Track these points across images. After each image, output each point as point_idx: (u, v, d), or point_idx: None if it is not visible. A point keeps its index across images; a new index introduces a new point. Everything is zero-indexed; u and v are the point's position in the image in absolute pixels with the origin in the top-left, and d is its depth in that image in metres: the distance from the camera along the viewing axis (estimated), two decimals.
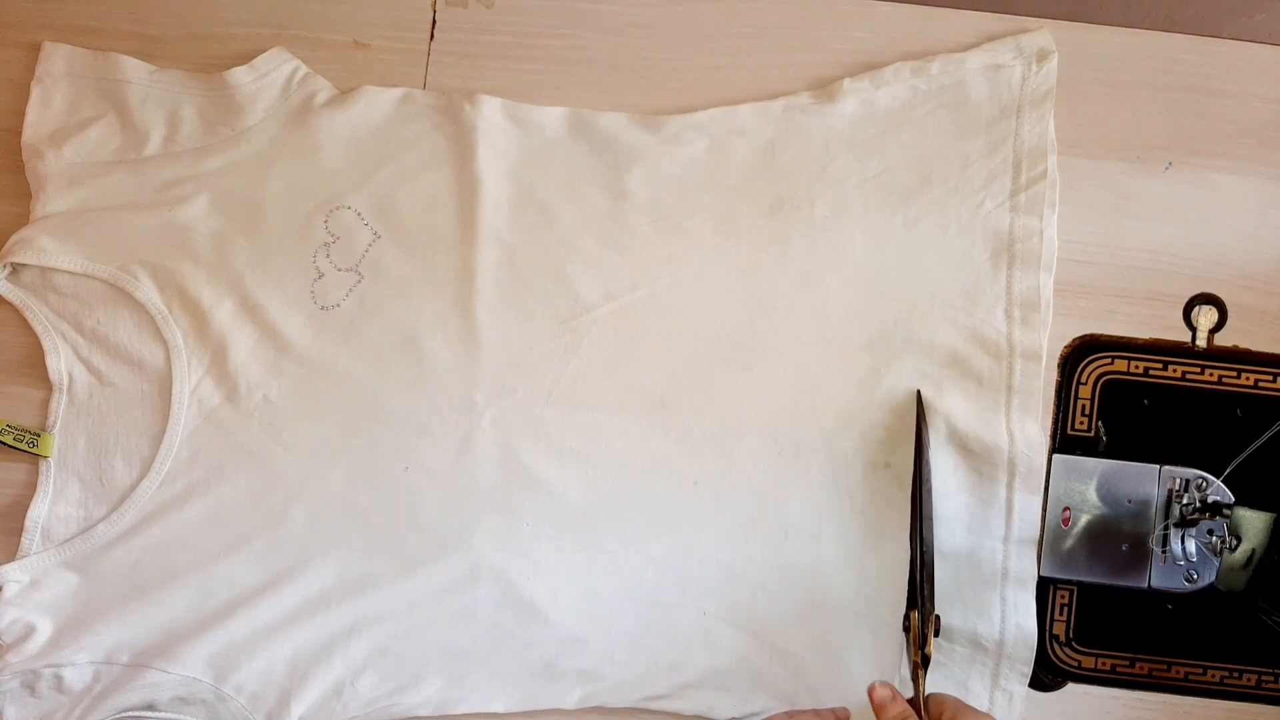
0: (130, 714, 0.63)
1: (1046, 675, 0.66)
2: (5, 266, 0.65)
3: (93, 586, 0.64)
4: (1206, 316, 0.67)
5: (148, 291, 0.65)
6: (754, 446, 0.65)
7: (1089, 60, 0.68)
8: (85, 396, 0.65)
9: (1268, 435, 0.66)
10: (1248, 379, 0.67)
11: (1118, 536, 0.66)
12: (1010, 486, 0.64)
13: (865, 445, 0.65)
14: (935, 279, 0.65)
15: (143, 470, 0.65)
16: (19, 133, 0.67)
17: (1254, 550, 0.66)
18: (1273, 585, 0.66)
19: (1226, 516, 0.65)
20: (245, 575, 0.64)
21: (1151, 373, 0.67)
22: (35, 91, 0.67)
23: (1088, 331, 0.67)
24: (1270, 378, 0.67)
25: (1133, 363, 0.67)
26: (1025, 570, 0.64)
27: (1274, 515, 0.66)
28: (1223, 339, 0.67)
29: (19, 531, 0.65)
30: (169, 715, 0.63)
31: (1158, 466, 0.66)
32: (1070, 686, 0.66)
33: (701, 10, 0.69)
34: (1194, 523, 0.65)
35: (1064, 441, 0.67)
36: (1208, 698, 0.66)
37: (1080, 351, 0.67)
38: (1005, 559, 0.64)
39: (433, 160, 0.67)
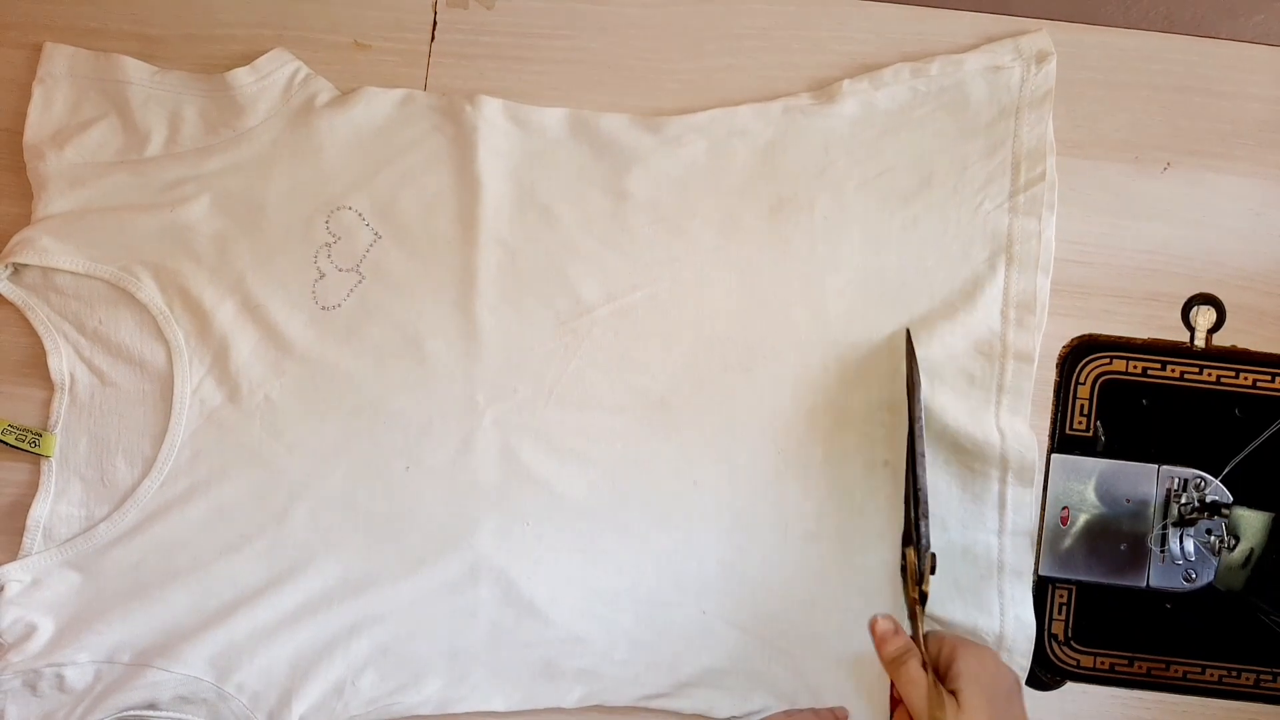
0: (132, 713, 0.63)
1: (1045, 674, 0.66)
2: (7, 267, 0.65)
3: (94, 586, 0.64)
4: (1205, 316, 0.67)
5: (149, 292, 0.65)
6: (753, 446, 0.65)
7: (1088, 61, 0.68)
8: (87, 396, 0.66)
9: (1266, 435, 0.67)
10: (1246, 379, 0.67)
11: (1116, 536, 0.66)
12: (1003, 481, 0.65)
13: (863, 444, 0.65)
14: (934, 280, 0.65)
15: (144, 470, 0.65)
16: (21, 133, 0.67)
17: (1252, 549, 0.66)
18: (1271, 584, 0.66)
19: (1225, 516, 0.66)
20: (247, 575, 0.64)
21: (1150, 373, 0.67)
22: (37, 92, 0.67)
23: (1086, 331, 0.67)
24: (1268, 378, 0.67)
25: (1131, 363, 0.67)
26: (1021, 563, 0.64)
27: (1272, 515, 0.66)
28: (1221, 339, 0.67)
29: (21, 531, 0.65)
30: (170, 714, 0.63)
31: (1156, 466, 0.67)
32: (1069, 685, 0.66)
33: (701, 11, 0.69)
34: (1192, 522, 0.66)
35: (1062, 441, 0.67)
36: (1206, 697, 0.66)
37: (1079, 351, 0.67)
38: (1001, 552, 0.64)
39: (434, 161, 0.67)
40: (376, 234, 0.66)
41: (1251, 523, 0.66)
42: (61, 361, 0.66)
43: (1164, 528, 0.66)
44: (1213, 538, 0.66)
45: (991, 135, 0.67)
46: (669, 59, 0.69)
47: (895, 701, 0.60)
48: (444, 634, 0.64)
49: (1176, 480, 0.66)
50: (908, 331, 0.65)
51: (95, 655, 0.63)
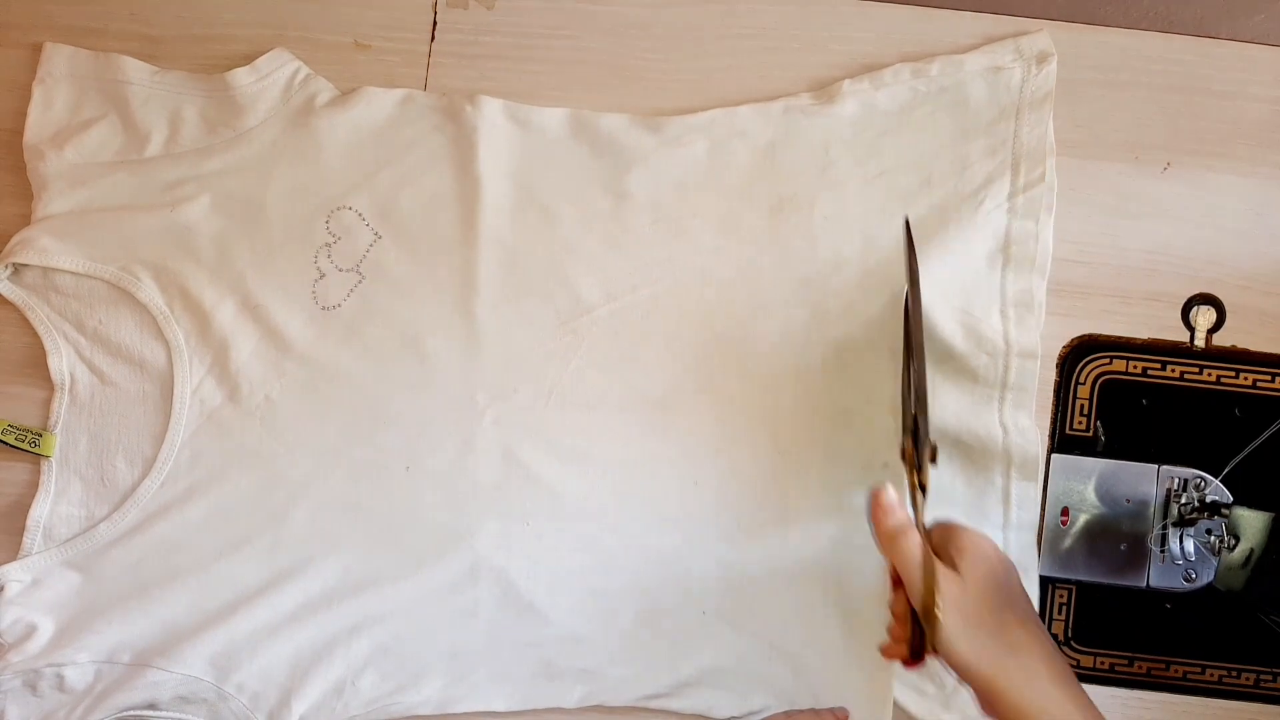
0: (132, 713, 0.63)
1: None
2: (7, 267, 0.65)
3: (94, 586, 0.64)
4: (1205, 316, 0.67)
5: (149, 292, 0.65)
6: (753, 446, 0.65)
7: (1088, 61, 0.68)
8: (87, 396, 0.66)
9: (1266, 435, 0.67)
10: (1246, 379, 0.67)
11: (1116, 536, 0.66)
12: (1006, 475, 0.64)
13: (863, 445, 0.65)
14: (934, 280, 0.65)
15: (144, 470, 0.65)
16: (21, 133, 0.67)
17: (1252, 549, 0.66)
18: (1271, 584, 0.66)
19: (1225, 516, 0.66)
20: (247, 575, 0.64)
21: (1150, 373, 0.67)
22: (37, 92, 0.67)
23: (1086, 331, 0.67)
24: (1268, 377, 0.67)
25: (1131, 363, 0.67)
26: (1026, 558, 0.64)
27: (1272, 514, 0.66)
28: (1221, 339, 0.67)
29: (21, 531, 0.65)
30: (170, 714, 0.63)
31: (1156, 466, 0.67)
32: None
33: (701, 12, 0.69)
34: (1192, 522, 0.66)
35: (1062, 441, 0.67)
36: (1206, 697, 0.66)
37: (1079, 351, 0.67)
38: (1005, 546, 0.64)
39: (434, 161, 0.67)
40: (377, 234, 0.66)
41: (1251, 523, 0.66)
42: (61, 361, 0.66)
43: (1164, 528, 0.66)
44: (1213, 538, 0.66)
45: (992, 136, 0.67)
46: (669, 59, 0.69)
47: (896, 584, 0.58)
48: (444, 634, 0.64)
49: (1176, 480, 0.66)
50: (905, 220, 0.63)
51: (95, 655, 0.63)
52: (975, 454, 0.64)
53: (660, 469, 0.65)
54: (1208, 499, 0.66)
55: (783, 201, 0.67)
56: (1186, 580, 0.66)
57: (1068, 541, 0.66)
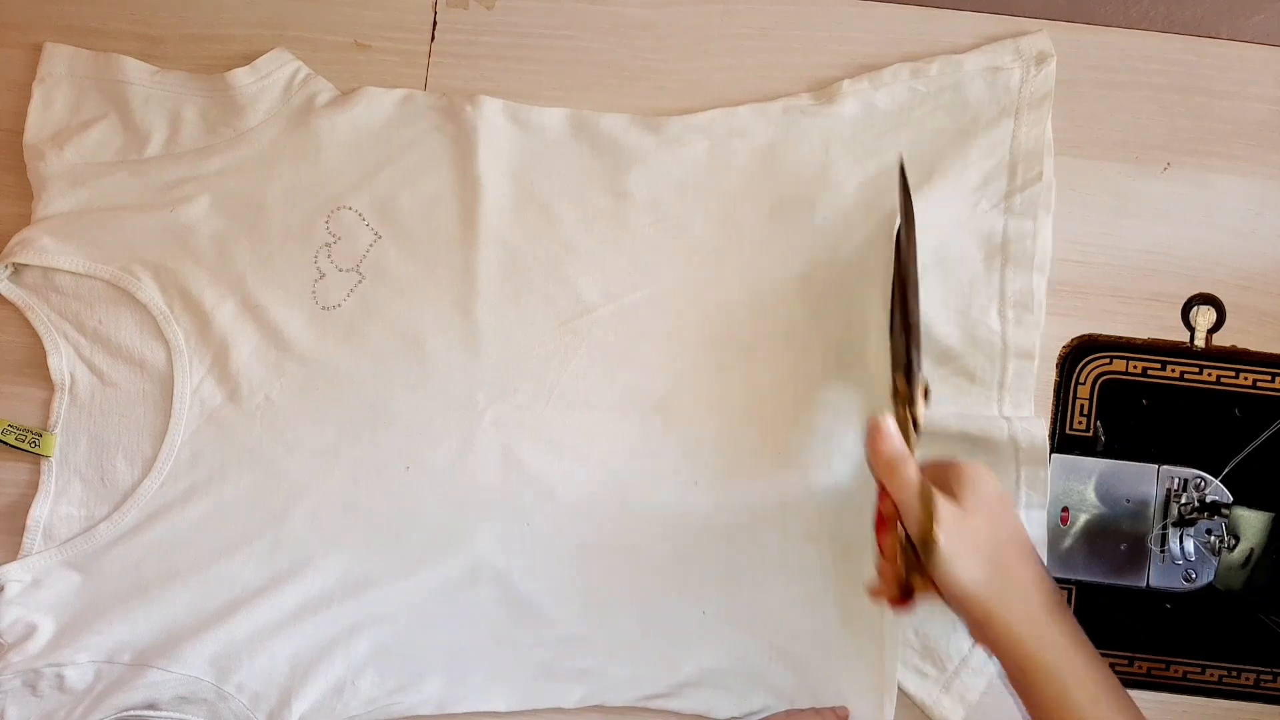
0: (132, 713, 0.63)
1: None
2: (7, 267, 0.65)
3: (94, 586, 0.64)
4: (1205, 316, 0.67)
5: (149, 292, 0.65)
6: (753, 446, 0.65)
7: (1087, 61, 0.68)
8: (87, 396, 0.66)
9: (1266, 435, 0.67)
10: (1246, 379, 0.67)
11: (1116, 536, 0.66)
12: (1016, 462, 0.64)
13: (863, 445, 0.65)
14: (933, 279, 0.65)
15: (145, 470, 0.65)
16: (21, 133, 0.67)
17: (1252, 549, 0.66)
18: (1271, 584, 0.66)
19: (1225, 516, 0.66)
20: (247, 575, 0.64)
21: (1150, 373, 0.67)
22: (37, 92, 0.67)
23: (1086, 332, 0.67)
24: (1268, 378, 0.67)
25: (1131, 363, 0.67)
26: (1036, 535, 0.64)
27: (1272, 515, 0.66)
28: (1221, 339, 0.67)
29: (21, 531, 0.65)
30: (171, 714, 0.63)
31: (1156, 466, 0.67)
32: None
33: (701, 12, 0.69)
34: (1192, 522, 0.66)
35: (1062, 441, 0.67)
36: (1206, 697, 0.66)
37: (1079, 351, 0.67)
38: None
39: (434, 161, 0.67)
40: (377, 234, 0.66)
41: (1251, 523, 0.66)
42: (61, 361, 0.66)
43: (1164, 528, 0.66)
44: (1213, 538, 0.66)
45: (990, 136, 0.67)
46: (669, 59, 0.69)
47: (880, 523, 0.58)
48: (444, 634, 0.64)
49: (1176, 480, 0.66)
50: (900, 158, 0.63)
51: (95, 655, 0.63)
52: (981, 446, 0.64)
53: (660, 469, 0.65)
54: (1208, 499, 0.66)
55: (783, 201, 0.67)
56: (1186, 580, 0.66)
57: (1068, 541, 0.66)
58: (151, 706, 0.63)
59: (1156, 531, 0.66)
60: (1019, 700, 0.55)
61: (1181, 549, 0.66)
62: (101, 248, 0.65)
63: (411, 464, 0.65)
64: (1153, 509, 0.66)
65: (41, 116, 0.67)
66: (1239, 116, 0.68)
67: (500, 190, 0.66)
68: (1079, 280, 0.67)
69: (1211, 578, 0.66)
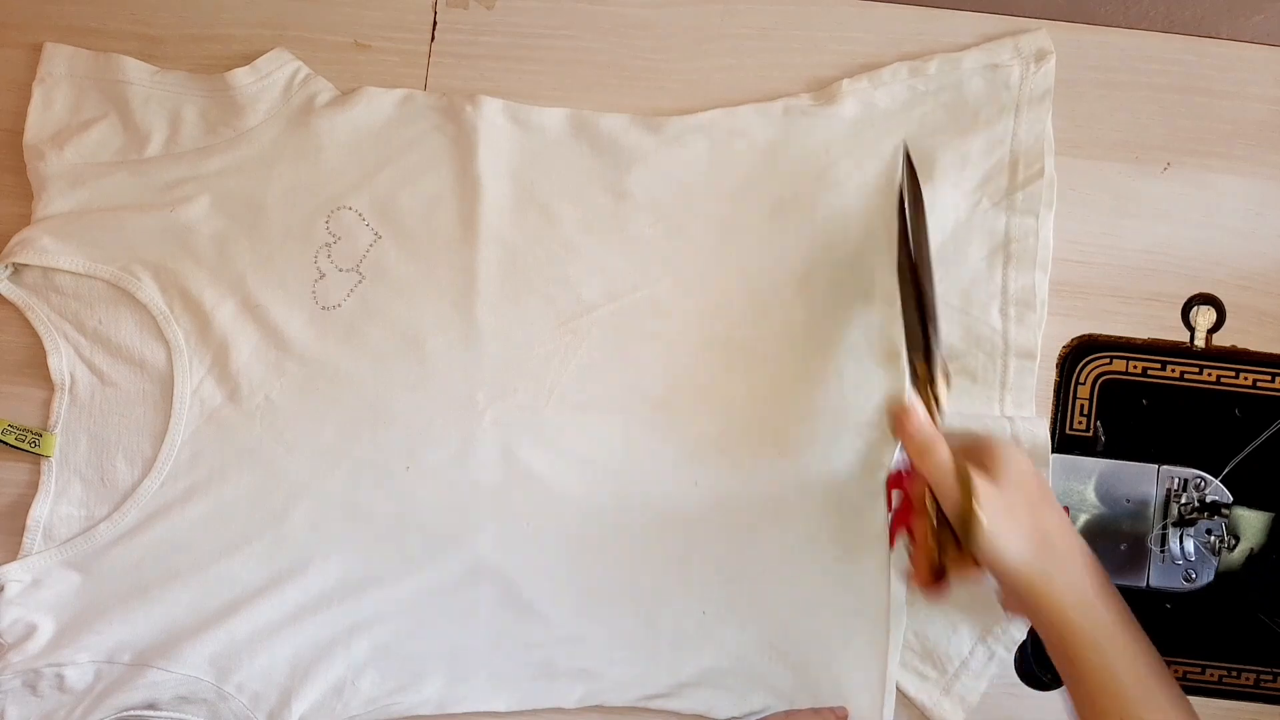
0: (132, 713, 0.63)
1: (1045, 675, 0.66)
2: (7, 267, 0.65)
3: (95, 586, 0.64)
4: (1205, 316, 0.67)
5: (149, 292, 0.65)
6: (753, 447, 0.65)
7: (1087, 61, 0.68)
8: (87, 396, 0.66)
9: (1266, 435, 0.67)
10: (1246, 379, 0.67)
11: (1116, 536, 0.66)
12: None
13: (863, 445, 0.65)
14: (934, 278, 0.65)
15: (144, 470, 0.65)
16: (21, 133, 0.67)
17: (1252, 549, 0.66)
18: (1271, 584, 0.66)
19: (1225, 516, 0.66)
20: (247, 575, 0.64)
21: (1150, 373, 0.67)
22: (37, 92, 0.67)
23: (1086, 331, 0.67)
24: (1268, 378, 0.67)
25: (1131, 363, 0.67)
26: None
27: (1272, 515, 0.66)
28: (1221, 339, 0.67)
29: (21, 531, 0.65)
30: (171, 714, 0.63)
31: (1156, 466, 0.67)
32: None
33: (701, 12, 0.69)
34: (1192, 522, 0.66)
35: (1062, 441, 0.67)
36: (1206, 697, 0.66)
37: (1079, 351, 0.67)
38: None
39: (434, 161, 0.67)
40: (376, 234, 0.66)
41: (1251, 523, 0.66)
42: (62, 361, 0.66)
43: (1164, 528, 0.66)
44: (1213, 538, 0.66)
45: (990, 133, 0.67)
46: (669, 59, 0.69)
47: (896, 518, 0.58)
48: (444, 634, 0.64)
49: (1176, 480, 0.66)
50: (904, 145, 0.64)
51: (95, 655, 0.63)
52: None
53: (660, 469, 0.65)
54: (1208, 499, 0.66)
55: (783, 202, 0.67)
56: (1186, 580, 0.66)
57: None
58: (152, 706, 0.63)
59: (1156, 531, 0.66)
60: (1062, 676, 0.54)
61: (1181, 549, 0.66)
62: (101, 248, 0.65)
63: (411, 464, 0.65)
64: (1153, 509, 0.66)
65: (41, 116, 0.67)
66: (1239, 116, 0.68)
67: (500, 190, 0.66)
68: (1079, 280, 0.67)
69: (1211, 578, 0.66)
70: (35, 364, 0.66)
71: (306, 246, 0.66)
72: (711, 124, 0.67)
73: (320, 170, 0.67)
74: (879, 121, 0.67)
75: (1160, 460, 0.67)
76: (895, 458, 0.64)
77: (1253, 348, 0.67)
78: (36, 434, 0.65)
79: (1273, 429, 0.67)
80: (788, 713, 0.64)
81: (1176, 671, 0.66)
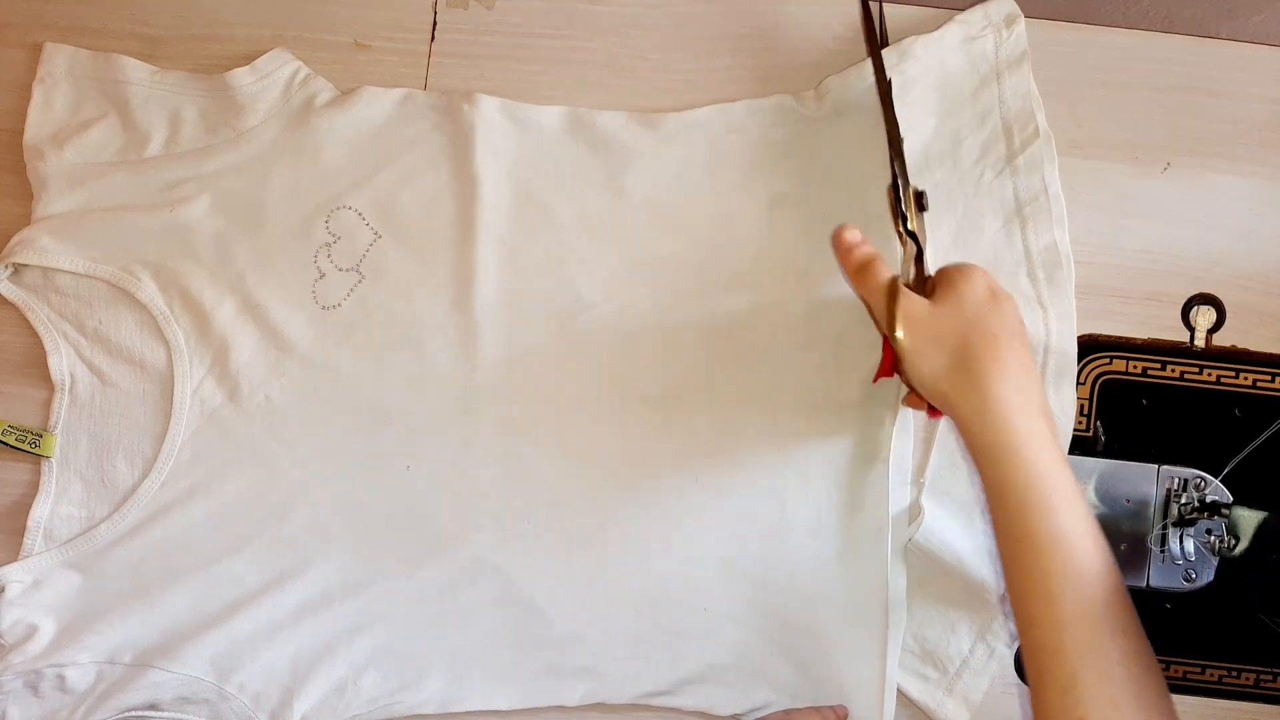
0: (133, 713, 0.63)
1: None
2: (7, 267, 0.65)
3: (95, 586, 0.64)
4: (1205, 316, 0.67)
5: (149, 292, 0.65)
6: (754, 443, 0.65)
7: (1088, 61, 0.68)
8: (87, 396, 0.66)
9: (1266, 435, 0.67)
10: (1246, 379, 0.67)
11: (1116, 536, 0.66)
12: None
13: (863, 441, 0.65)
14: (956, 259, 0.65)
15: (145, 470, 0.65)
16: (21, 133, 0.67)
17: (1252, 549, 0.66)
18: (1271, 584, 0.66)
19: (1225, 516, 0.66)
20: (247, 574, 0.64)
21: (1150, 373, 0.67)
22: (37, 92, 0.67)
23: (1086, 331, 0.67)
24: (1268, 378, 0.67)
25: (1131, 363, 0.67)
26: None
27: (1273, 515, 0.66)
28: (1221, 339, 0.67)
29: (21, 532, 0.65)
30: (172, 715, 0.63)
31: (1156, 466, 0.67)
32: None
33: (701, 11, 0.69)
34: (1192, 522, 0.66)
35: None
36: (1206, 697, 0.66)
37: (1079, 352, 0.67)
38: None
39: (433, 160, 0.67)
40: (376, 233, 0.66)
41: (1251, 523, 0.66)
42: (62, 361, 0.66)
43: (1164, 528, 0.66)
44: (1213, 538, 0.66)
45: (977, 105, 0.66)
46: (669, 59, 0.69)
47: (887, 359, 0.60)
48: (445, 633, 0.65)
49: (1176, 480, 0.66)
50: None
51: (96, 656, 0.63)
52: None
53: (660, 467, 0.65)
54: (1208, 499, 0.66)
55: (781, 198, 0.67)
56: (1186, 580, 0.66)
57: None
58: (153, 707, 0.63)
59: (1156, 531, 0.66)
60: (989, 520, 0.55)
61: (1181, 549, 0.66)
62: (101, 248, 0.65)
63: (412, 463, 0.65)
64: (1153, 509, 0.66)
65: (41, 116, 0.67)
66: (1239, 116, 0.68)
67: (498, 189, 0.66)
68: (1079, 280, 0.67)
69: (1211, 578, 0.66)
70: (35, 364, 0.66)
71: (306, 246, 0.66)
72: (708, 121, 0.67)
73: (320, 170, 0.67)
74: (871, 111, 0.66)
75: (1160, 460, 0.67)
76: None
77: (1253, 348, 0.67)
78: (36, 434, 0.65)
79: (1273, 429, 0.67)
80: (788, 711, 0.64)
81: (1176, 672, 0.67)
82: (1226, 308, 0.67)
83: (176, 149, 0.67)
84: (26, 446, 0.64)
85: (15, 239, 0.65)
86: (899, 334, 0.56)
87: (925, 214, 0.61)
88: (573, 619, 0.65)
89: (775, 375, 0.66)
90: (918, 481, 0.65)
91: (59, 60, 0.67)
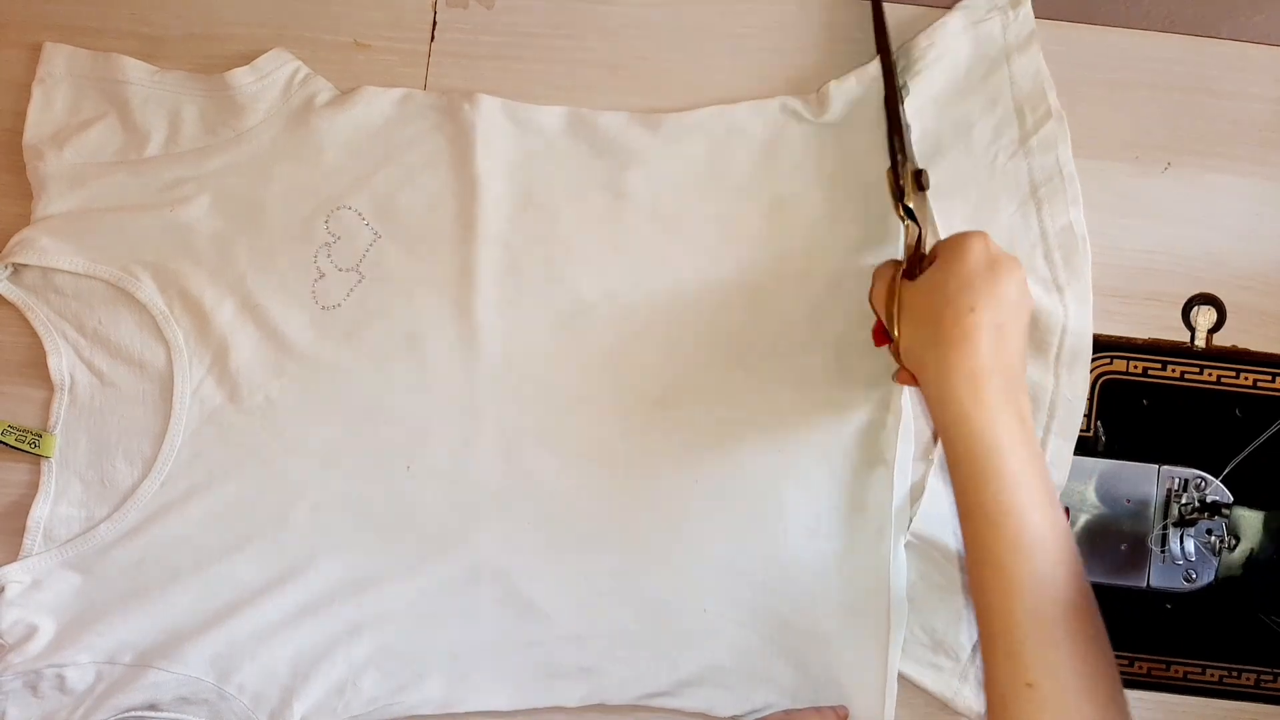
0: (133, 714, 0.63)
1: None
2: (7, 267, 0.65)
3: (95, 587, 0.64)
4: (1205, 316, 0.67)
5: (149, 292, 0.65)
6: (753, 444, 0.65)
7: (1089, 61, 0.68)
8: (87, 397, 0.66)
9: (1266, 435, 0.67)
10: (1246, 379, 0.67)
11: (1117, 536, 0.66)
12: (1048, 430, 0.64)
13: (863, 441, 0.65)
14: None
15: (144, 470, 0.65)
16: (20, 133, 0.67)
17: (1252, 549, 0.66)
18: (1271, 584, 0.66)
19: (1225, 516, 0.66)
20: (247, 575, 0.64)
21: (1150, 373, 0.67)
22: (36, 92, 0.67)
23: None
24: (1269, 378, 0.67)
25: (1131, 363, 0.67)
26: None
27: (1273, 514, 0.66)
28: (1221, 339, 0.67)
29: (21, 532, 0.65)
30: (171, 715, 0.63)
31: (1156, 466, 0.67)
32: None
33: (701, 11, 0.69)
34: (1193, 522, 0.66)
35: None
36: (1207, 697, 0.66)
37: None
38: None
39: (433, 160, 0.67)
40: (376, 233, 0.66)
41: (1251, 523, 0.66)
42: (61, 362, 0.66)
43: (1164, 528, 0.66)
44: (1213, 538, 0.66)
45: (988, 89, 0.66)
46: (668, 59, 0.69)
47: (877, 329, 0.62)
48: (445, 633, 0.64)
49: (1176, 480, 0.66)
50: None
51: (96, 656, 0.63)
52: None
53: (660, 467, 0.65)
54: (1208, 499, 0.66)
55: (782, 199, 0.67)
56: (1186, 580, 0.66)
57: None
58: (153, 707, 0.63)
59: (1157, 531, 0.66)
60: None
61: (1181, 549, 0.66)
62: (101, 248, 0.65)
63: (412, 463, 0.65)
64: (1153, 509, 0.66)
65: (41, 116, 0.67)
66: (1239, 116, 0.68)
67: (498, 189, 0.66)
68: None
69: (1211, 578, 0.66)
70: (35, 364, 0.66)
71: (306, 246, 0.66)
72: (709, 122, 0.67)
73: (320, 170, 0.67)
74: (875, 111, 0.66)
75: (1160, 460, 0.67)
76: None
77: (1253, 348, 0.67)
78: (36, 435, 0.65)
79: (1273, 429, 0.67)
80: (787, 712, 0.64)
81: (1177, 672, 0.67)
82: (1227, 308, 0.67)
83: (176, 149, 0.67)
84: (26, 447, 0.64)
85: (15, 239, 0.65)
86: (898, 332, 0.57)
87: (927, 193, 0.62)
88: (572, 620, 0.65)
89: (776, 377, 0.66)
90: (926, 458, 0.65)
91: (58, 60, 0.67)
